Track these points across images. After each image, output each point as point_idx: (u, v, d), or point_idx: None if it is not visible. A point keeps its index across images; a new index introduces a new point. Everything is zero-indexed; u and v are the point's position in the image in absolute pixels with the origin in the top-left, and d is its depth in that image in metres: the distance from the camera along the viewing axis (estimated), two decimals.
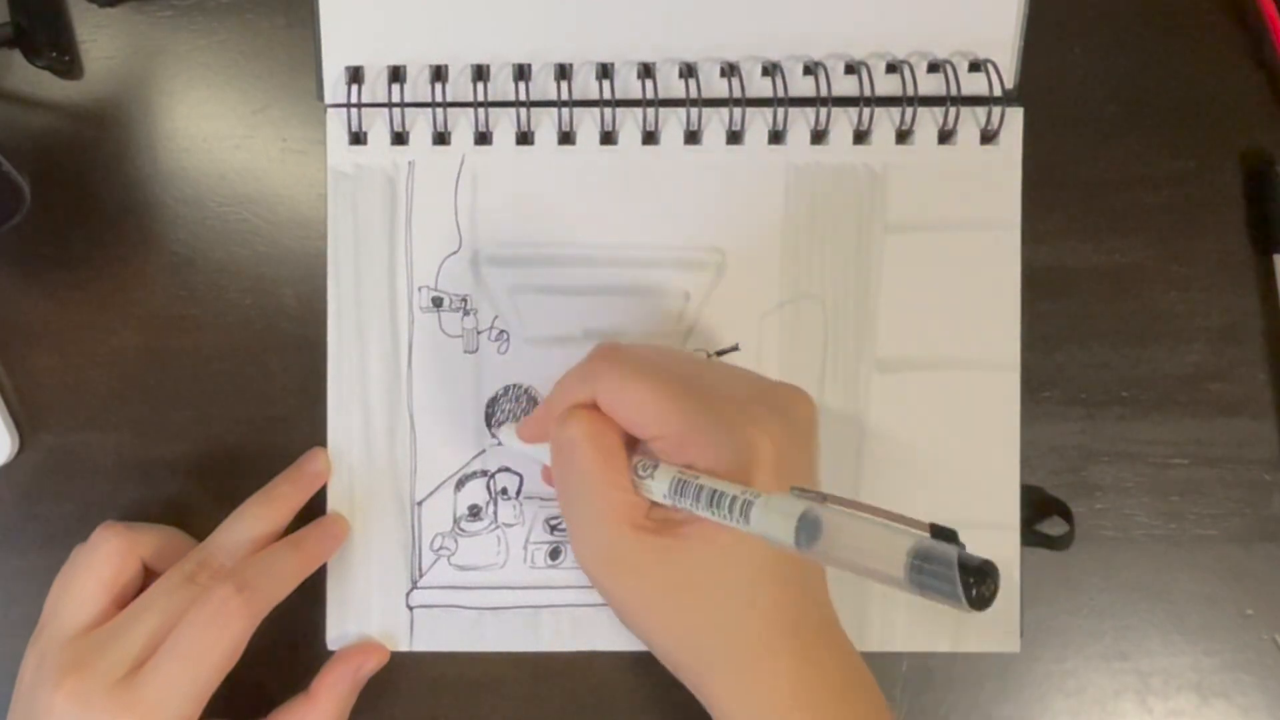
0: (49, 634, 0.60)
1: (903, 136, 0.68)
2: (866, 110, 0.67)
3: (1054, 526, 0.68)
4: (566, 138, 0.68)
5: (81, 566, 0.61)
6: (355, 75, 0.67)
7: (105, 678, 0.57)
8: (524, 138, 0.67)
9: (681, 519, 0.55)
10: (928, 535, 0.45)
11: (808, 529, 0.47)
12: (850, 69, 0.68)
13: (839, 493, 0.65)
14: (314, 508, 0.67)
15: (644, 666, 0.69)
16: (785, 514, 0.48)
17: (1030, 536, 0.68)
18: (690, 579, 0.55)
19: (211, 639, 0.58)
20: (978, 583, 0.43)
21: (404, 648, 0.68)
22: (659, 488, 0.55)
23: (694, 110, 0.67)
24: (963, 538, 0.66)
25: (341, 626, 0.68)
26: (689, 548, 0.55)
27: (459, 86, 0.67)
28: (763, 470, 0.54)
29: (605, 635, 0.68)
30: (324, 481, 0.68)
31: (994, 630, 0.67)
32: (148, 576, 0.63)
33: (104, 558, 0.61)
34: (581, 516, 0.57)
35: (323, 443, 0.68)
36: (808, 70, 0.67)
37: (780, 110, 0.67)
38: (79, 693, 0.56)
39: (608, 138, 0.68)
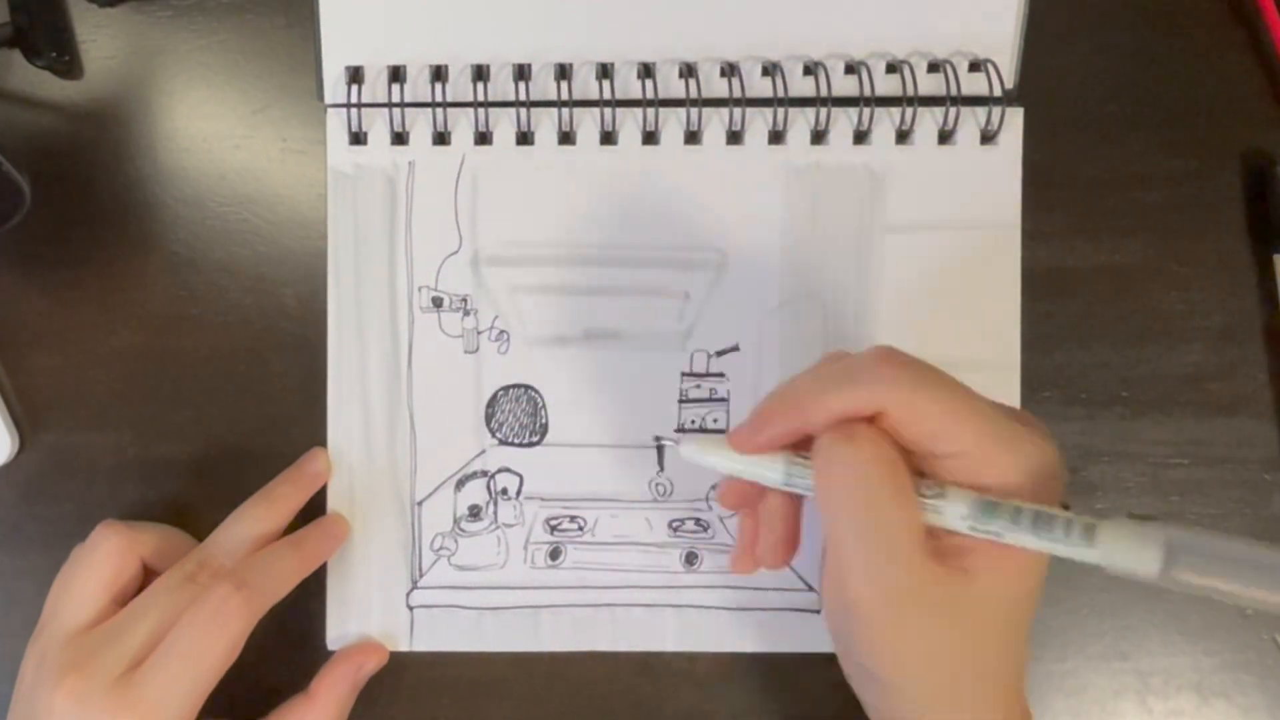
0: (49, 633, 0.60)
1: (903, 137, 0.68)
2: (866, 110, 0.67)
3: None
4: (566, 138, 0.68)
5: (81, 566, 0.61)
6: (355, 75, 0.67)
7: (105, 676, 0.57)
8: (524, 138, 0.68)
9: (961, 548, 0.52)
10: None
11: (1173, 554, 0.45)
12: (850, 69, 0.68)
13: None
14: (314, 508, 0.67)
15: (644, 667, 0.69)
16: (1146, 539, 0.46)
17: None
18: (971, 617, 0.52)
19: (210, 638, 0.58)
20: None
21: (404, 648, 0.68)
22: (954, 510, 0.51)
23: (694, 110, 0.67)
24: None
25: (342, 626, 0.68)
26: (978, 582, 0.51)
27: (459, 86, 0.67)
28: (1057, 491, 0.51)
29: (605, 636, 0.68)
30: (324, 482, 0.68)
31: None
32: (148, 575, 0.63)
33: (104, 557, 0.61)
34: (865, 545, 0.51)
35: (323, 443, 0.68)
36: (808, 70, 0.67)
37: (780, 110, 0.67)
38: (79, 691, 0.56)
39: (608, 138, 0.68)
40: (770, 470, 0.55)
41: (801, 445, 0.54)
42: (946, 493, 0.51)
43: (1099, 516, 0.67)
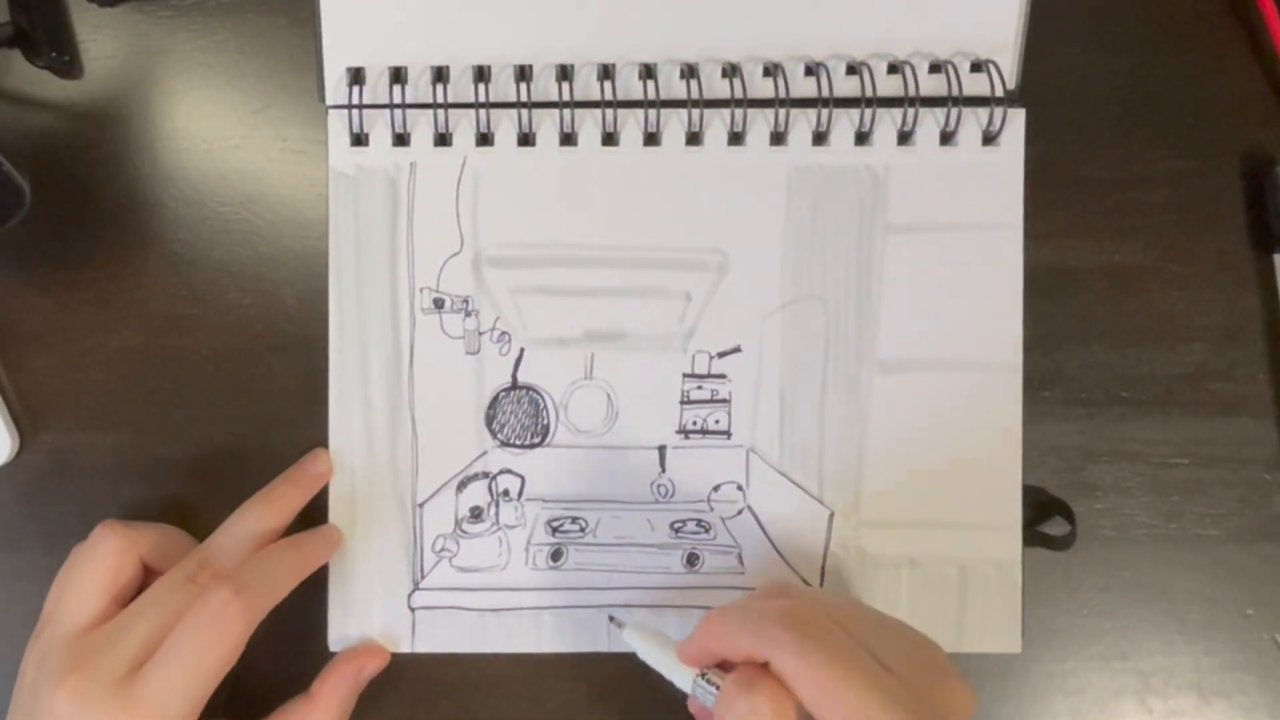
0: (49, 634, 0.60)
1: (904, 137, 0.68)
2: (868, 111, 0.67)
3: (1055, 527, 0.69)
4: (568, 139, 0.67)
5: (81, 566, 0.61)
6: (357, 76, 0.67)
7: (106, 678, 0.57)
8: (525, 139, 0.67)
9: None
10: None
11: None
12: (852, 70, 0.67)
13: (841, 490, 0.65)
14: (316, 508, 0.68)
15: (643, 666, 0.69)
16: None
17: (1031, 537, 0.68)
18: None
19: (211, 641, 0.58)
20: None
21: (406, 649, 0.68)
22: None
23: (695, 111, 0.67)
24: (964, 539, 0.67)
25: (343, 628, 0.68)
26: None
27: (460, 87, 0.67)
28: None
29: (606, 637, 0.68)
30: (325, 482, 0.68)
31: (996, 631, 0.68)
32: (148, 575, 0.64)
33: (103, 557, 0.61)
34: None
35: (324, 444, 0.68)
36: (809, 71, 0.67)
37: (782, 111, 0.67)
38: (80, 692, 0.56)
39: (609, 139, 0.67)
40: (681, 679, 0.61)
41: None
42: None
43: (1097, 516, 0.68)
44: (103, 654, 0.58)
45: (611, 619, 0.68)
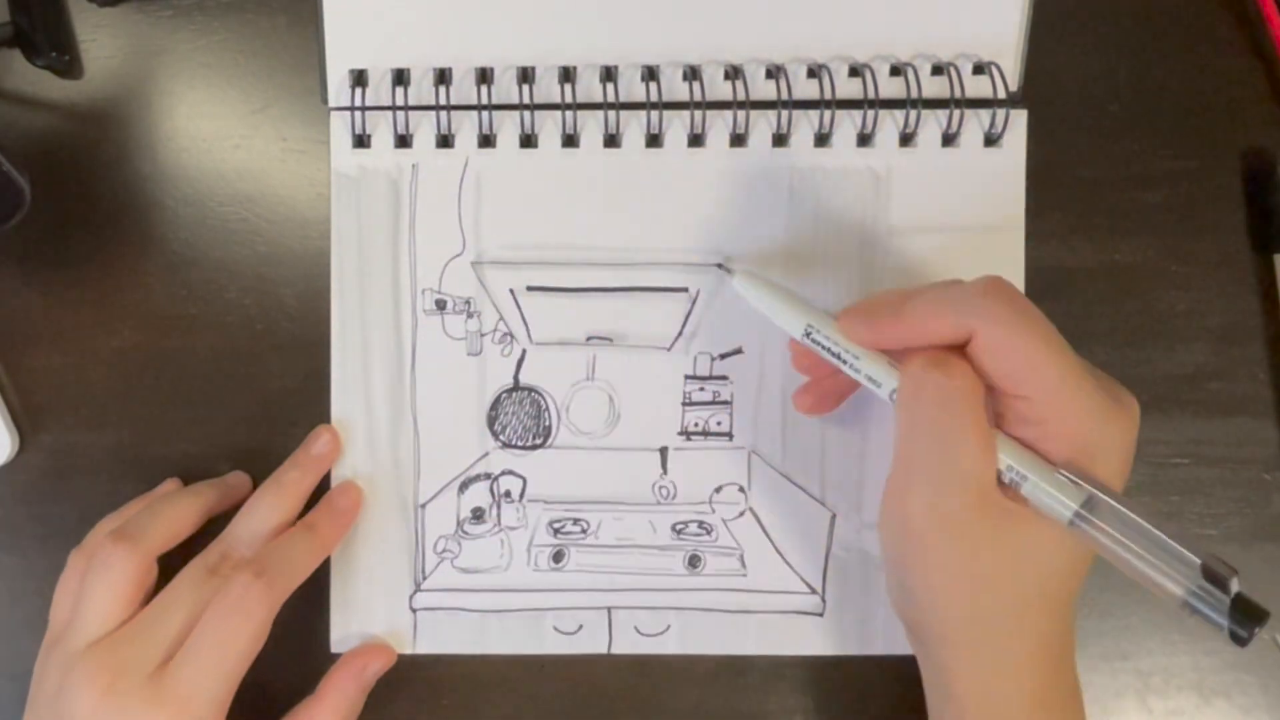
0: (71, 642, 0.60)
1: (906, 139, 0.68)
2: (870, 113, 0.67)
3: None
4: (570, 140, 0.67)
5: (98, 581, 0.60)
6: (359, 78, 0.67)
7: (138, 673, 0.58)
8: (527, 140, 0.67)
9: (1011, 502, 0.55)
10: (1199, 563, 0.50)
11: (1090, 507, 0.52)
12: (854, 72, 0.67)
13: (843, 492, 0.66)
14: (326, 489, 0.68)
15: (644, 667, 0.69)
16: (1068, 488, 0.53)
17: None
18: (1006, 563, 0.55)
19: (235, 627, 0.59)
20: (1246, 621, 0.48)
21: (408, 650, 0.68)
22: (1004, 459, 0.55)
23: (698, 113, 0.67)
24: None
25: (346, 629, 0.68)
26: (1029, 535, 0.55)
27: (463, 89, 0.67)
28: (1114, 466, 0.55)
29: (607, 638, 0.68)
30: (332, 461, 0.68)
31: None
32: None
33: (120, 572, 0.60)
34: (936, 471, 0.55)
35: None
36: (812, 73, 0.67)
37: (784, 113, 0.67)
38: (114, 691, 0.57)
39: (611, 140, 0.67)
40: (793, 327, 0.61)
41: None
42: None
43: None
44: (132, 652, 0.59)
45: (720, 265, 0.67)
